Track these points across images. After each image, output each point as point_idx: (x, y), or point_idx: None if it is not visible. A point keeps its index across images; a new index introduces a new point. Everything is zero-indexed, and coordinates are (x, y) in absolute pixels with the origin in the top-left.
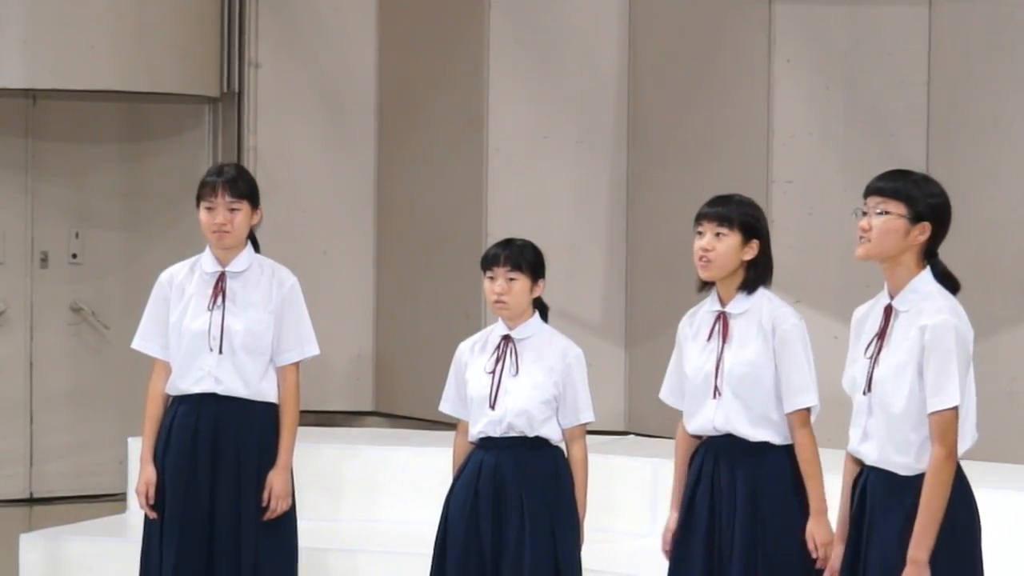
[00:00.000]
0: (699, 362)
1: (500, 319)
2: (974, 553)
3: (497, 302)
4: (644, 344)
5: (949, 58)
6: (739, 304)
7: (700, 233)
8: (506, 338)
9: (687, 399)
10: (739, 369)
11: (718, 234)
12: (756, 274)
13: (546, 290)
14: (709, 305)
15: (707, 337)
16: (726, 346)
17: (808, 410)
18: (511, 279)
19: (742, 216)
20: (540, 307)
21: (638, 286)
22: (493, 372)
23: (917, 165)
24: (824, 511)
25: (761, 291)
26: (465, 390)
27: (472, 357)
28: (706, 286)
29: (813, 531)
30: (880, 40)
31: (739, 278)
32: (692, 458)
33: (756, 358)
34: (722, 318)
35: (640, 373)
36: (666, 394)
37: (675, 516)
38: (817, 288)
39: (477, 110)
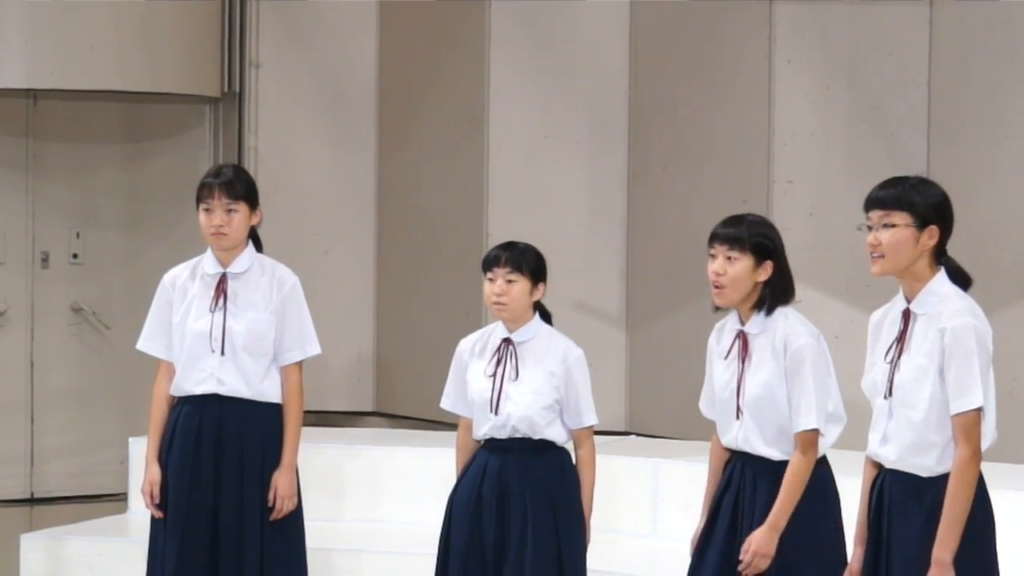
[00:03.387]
0: (724, 380)
1: (501, 321)
2: (991, 552)
3: (496, 303)
4: (645, 345)
5: (950, 58)
6: (757, 324)
7: (712, 256)
8: (506, 341)
9: (718, 413)
10: (754, 391)
11: (729, 258)
12: (772, 295)
13: (548, 290)
14: (731, 323)
15: (728, 355)
16: (746, 367)
17: (814, 432)
18: (510, 280)
19: (753, 237)
20: (542, 312)
21: (639, 287)
22: (494, 376)
23: (918, 165)
24: (778, 529)
25: (780, 310)
26: (466, 389)
27: (472, 358)
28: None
29: (755, 538)
30: (881, 40)
31: (755, 299)
32: (725, 466)
33: (769, 379)
34: (742, 337)
35: (641, 374)
36: (703, 405)
37: (703, 523)
38: (818, 288)
39: (478, 110)
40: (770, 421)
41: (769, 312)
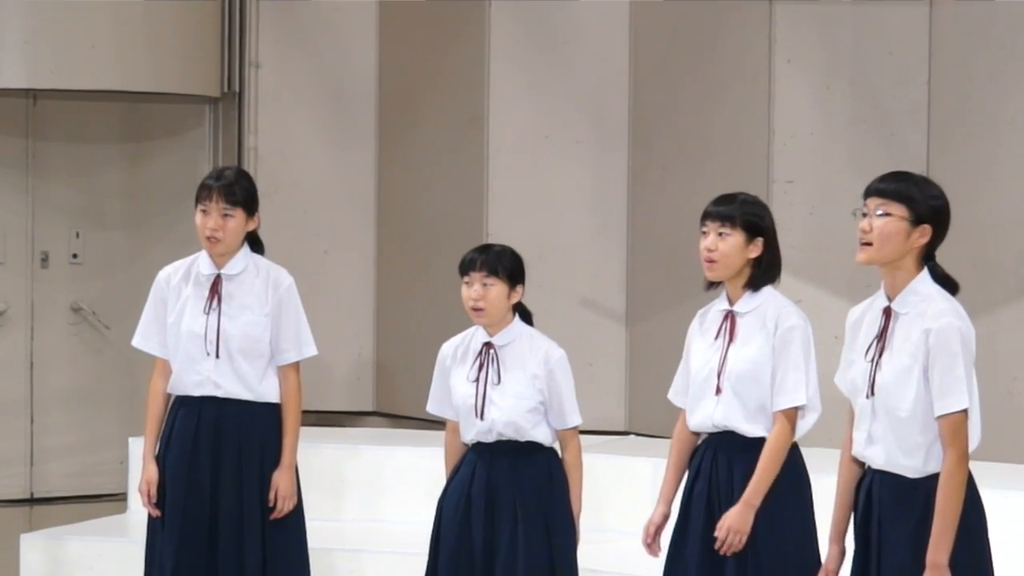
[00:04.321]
0: (704, 359)
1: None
2: (985, 553)
3: (474, 308)
4: (645, 345)
5: (950, 58)
6: (746, 303)
7: (704, 233)
8: (487, 345)
9: (690, 395)
10: (740, 366)
11: (721, 234)
12: (762, 272)
13: (548, 291)
14: (718, 304)
15: (714, 335)
16: (731, 345)
17: (796, 410)
18: (487, 284)
19: (744, 214)
20: (522, 313)
21: (639, 287)
22: (476, 381)
23: (918, 165)
24: (753, 505)
25: (768, 289)
26: (450, 393)
27: (455, 363)
28: (713, 285)
29: (730, 515)
30: (881, 40)
31: (745, 276)
32: (692, 456)
33: (757, 355)
34: (730, 317)
35: (641, 373)
36: (673, 394)
37: (660, 510)
38: (818, 288)
39: (477, 110)
40: (752, 397)
41: (756, 289)
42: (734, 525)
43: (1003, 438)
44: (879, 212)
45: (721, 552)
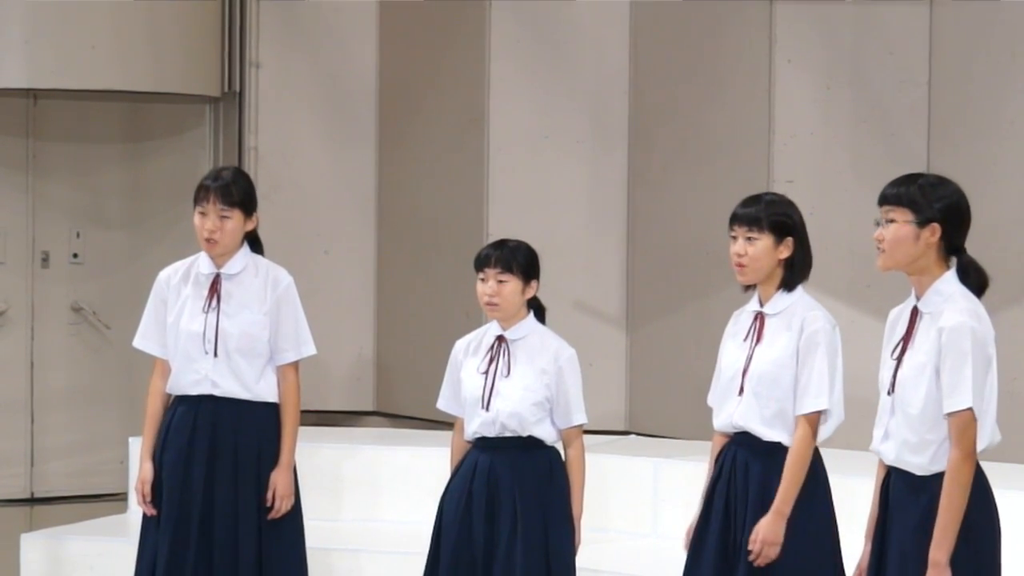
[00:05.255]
0: (731, 359)
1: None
2: (991, 554)
3: (488, 303)
4: (645, 345)
5: (950, 58)
6: (776, 304)
7: (733, 238)
8: (500, 339)
9: (719, 396)
10: (761, 367)
11: (749, 238)
12: (794, 272)
13: (548, 291)
14: (751, 305)
15: (744, 336)
16: (758, 346)
17: (818, 414)
18: (501, 280)
19: (771, 215)
20: (536, 308)
21: (639, 287)
22: (486, 373)
23: (918, 165)
24: (784, 514)
25: (799, 291)
26: (460, 389)
27: (466, 357)
28: (749, 287)
29: (762, 527)
30: (881, 40)
31: (778, 278)
32: (718, 456)
33: (780, 356)
34: (759, 318)
35: (641, 374)
36: (710, 398)
37: (698, 513)
38: (819, 289)
39: (478, 110)
40: (771, 400)
41: (790, 289)
42: (767, 537)
43: (1003, 438)
44: (887, 219)
45: (756, 564)
